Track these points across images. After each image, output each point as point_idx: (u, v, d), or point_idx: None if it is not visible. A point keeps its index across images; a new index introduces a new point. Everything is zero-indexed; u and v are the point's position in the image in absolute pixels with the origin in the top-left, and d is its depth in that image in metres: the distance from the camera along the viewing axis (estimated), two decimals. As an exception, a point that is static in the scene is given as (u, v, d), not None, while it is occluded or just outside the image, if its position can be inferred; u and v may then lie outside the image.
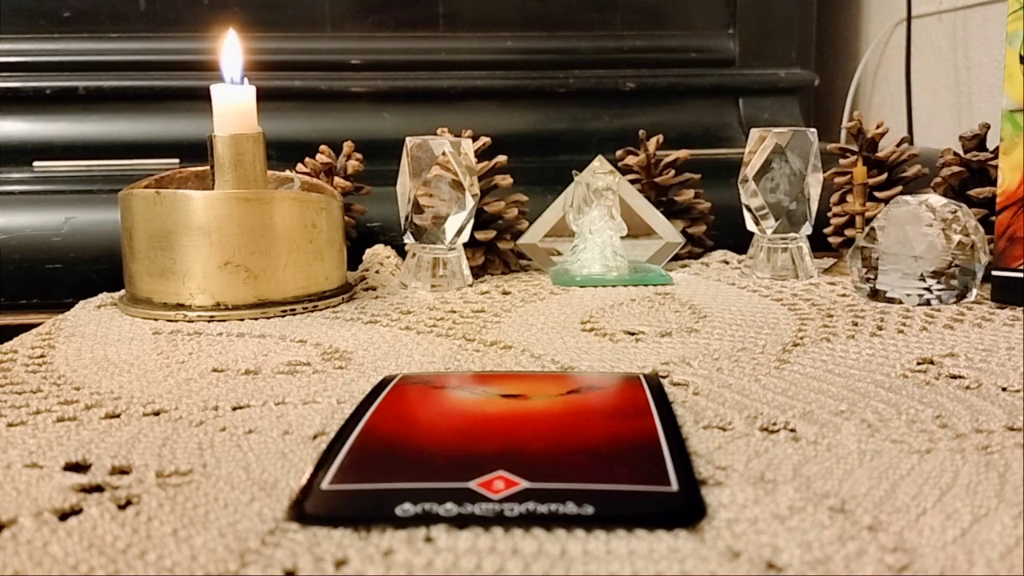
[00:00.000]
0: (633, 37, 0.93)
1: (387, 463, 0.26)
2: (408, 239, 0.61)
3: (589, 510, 0.23)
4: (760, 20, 0.96)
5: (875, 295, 0.54)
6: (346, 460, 0.26)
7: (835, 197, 0.69)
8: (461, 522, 0.22)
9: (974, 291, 0.54)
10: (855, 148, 0.67)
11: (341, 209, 0.58)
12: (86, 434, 0.30)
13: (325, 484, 0.24)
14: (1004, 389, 0.35)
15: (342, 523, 0.22)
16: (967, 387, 0.36)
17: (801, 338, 0.45)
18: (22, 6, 0.83)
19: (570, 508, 0.23)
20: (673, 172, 0.71)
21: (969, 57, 0.92)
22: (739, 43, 0.96)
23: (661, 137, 0.72)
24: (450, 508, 0.23)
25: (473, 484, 0.24)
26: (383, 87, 0.88)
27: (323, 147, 0.70)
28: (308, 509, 0.23)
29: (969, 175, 0.63)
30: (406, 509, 0.23)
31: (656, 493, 0.24)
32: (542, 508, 0.23)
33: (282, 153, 0.75)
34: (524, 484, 0.24)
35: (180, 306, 0.52)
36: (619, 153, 0.73)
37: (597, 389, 0.35)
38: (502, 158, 0.67)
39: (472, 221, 0.61)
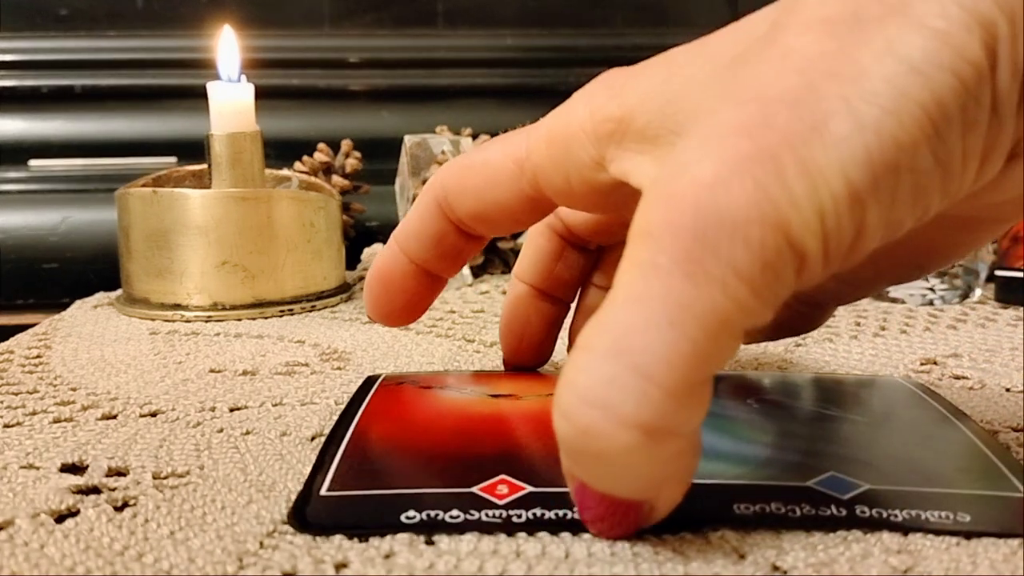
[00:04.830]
0: (634, 35, 0.93)
1: (384, 467, 0.25)
2: (407, 238, 0.61)
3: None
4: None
5: (878, 295, 0.54)
6: (342, 465, 0.25)
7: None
8: (468, 529, 0.22)
9: (977, 291, 0.54)
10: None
11: (339, 208, 0.58)
12: (83, 435, 0.30)
13: (323, 491, 0.24)
14: (1008, 389, 0.35)
15: (346, 531, 0.22)
16: (971, 387, 0.36)
17: (804, 338, 0.45)
18: (18, 4, 0.82)
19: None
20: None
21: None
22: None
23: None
24: (456, 515, 0.22)
25: (476, 489, 0.23)
26: (382, 85, 0.88)
27: (321, 145, 0.70)
28: (310, 517, 0.23)
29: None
30: (411, 516, 0.22)
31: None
32: (550, 514, 0.22)
33: (280, 151, 0.74)
34: (529, 488, 0.23)
35: (177, 306, 0.52)
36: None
37: None
38: (501, 157, 0.67)
39: (471, 220, 0.60)
